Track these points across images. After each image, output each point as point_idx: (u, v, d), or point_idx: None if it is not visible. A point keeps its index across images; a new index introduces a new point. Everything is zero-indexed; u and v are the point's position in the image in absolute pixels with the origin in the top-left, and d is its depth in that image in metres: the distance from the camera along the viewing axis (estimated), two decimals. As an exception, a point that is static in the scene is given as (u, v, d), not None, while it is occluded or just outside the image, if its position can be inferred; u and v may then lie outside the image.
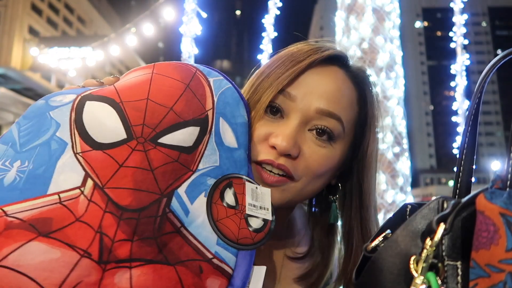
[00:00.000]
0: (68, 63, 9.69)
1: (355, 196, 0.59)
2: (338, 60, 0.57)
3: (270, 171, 0.52)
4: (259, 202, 0.48)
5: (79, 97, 0.47)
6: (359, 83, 0.58)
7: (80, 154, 0.42)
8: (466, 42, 5.38)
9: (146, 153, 0.43)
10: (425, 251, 0.29)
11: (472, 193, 0.29)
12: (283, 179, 0.52)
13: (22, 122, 0.45)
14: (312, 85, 0.54)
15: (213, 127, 0.48)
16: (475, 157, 0.33)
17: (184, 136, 0.45)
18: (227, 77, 0.53)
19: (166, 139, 0.44)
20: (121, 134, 0.43)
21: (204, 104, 0.48)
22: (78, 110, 0.45)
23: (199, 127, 0.46)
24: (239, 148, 0.49)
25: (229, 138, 0.49)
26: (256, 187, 0.48)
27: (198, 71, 0.51)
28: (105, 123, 0.44)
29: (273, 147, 0.51)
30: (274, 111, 0.54)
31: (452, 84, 5.47)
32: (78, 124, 0.44)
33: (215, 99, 0.49)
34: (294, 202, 0.57)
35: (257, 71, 0.59)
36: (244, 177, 0.48)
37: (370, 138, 0.58)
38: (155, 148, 0.43)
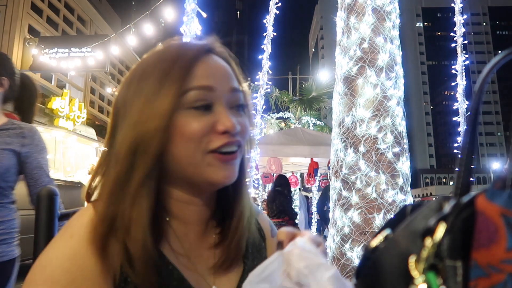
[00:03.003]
0: (68, 63, 9.69)
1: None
2: (212, 50, 0.64)
3: (230, 152, 0.59)
4: None
5: None
6: (229, 63, 0.66)
7: None
8: (466, 42, 5.38)
9: None
10: (425, 251, 0.29)
11: (473, 193, 0.29)
12: (236, 154, 0.60)
13: None
14: (215, 72, 0.60)
15: None
16: (475, 157, 0.33)
17: None
18: None
19: None
20: None
21: None
22: None
23: None
24: None
25: None
26: None
27: None
28: None
29: (224, 132, 0.58)
30: (205, 106, 0.58)
31: (452, 84, 5.47)
32: None
33: None
34: None
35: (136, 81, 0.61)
36: None
37: (250, 106, 0.68)
38: None
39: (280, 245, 0.54)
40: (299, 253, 0.49)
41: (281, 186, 6.21)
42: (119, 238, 0.53)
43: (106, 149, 0.61)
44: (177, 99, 0.57)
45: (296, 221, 7.00)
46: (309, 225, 9.79)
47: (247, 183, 0.70)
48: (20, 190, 1.70)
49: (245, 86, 0.67)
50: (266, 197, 6.61)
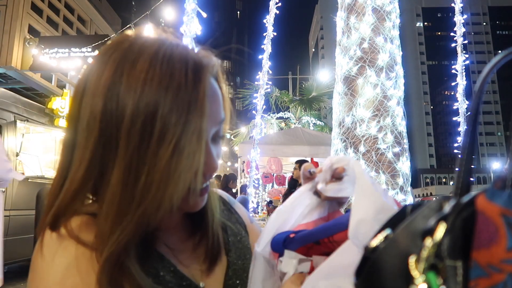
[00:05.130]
0: (68, 63, 9.69)
1: None
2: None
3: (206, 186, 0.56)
4: None
5: None
6: (221, 86, 0.57)
7: None
8: (466, 42, 5.38)
9: None
10: (425, 251, 0.29)
11: (473, 193, 0.29)
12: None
13: None
14: (210, 102, 0.51)
15: None
16: (475, 157, 0.33)
17: None
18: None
19: None
20: None
21: None
22: None
23: None
24: None
25: None
26: None
27: None
28: None
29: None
30: (218, 139, 0.56)
31: (452, 84, 5.47)
32: None
33: None
34: None
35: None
36: None
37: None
38: None
39: (312, 172, 0.60)
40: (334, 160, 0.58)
41: (296, 187, 6.23)
42: None
43: None
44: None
45: None
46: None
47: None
48: (20, 190, 1.70)
49: (228, 109, 0.59)
50: (281, 198, 6.59)
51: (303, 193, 0.60)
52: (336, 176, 0.57)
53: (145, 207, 0.46)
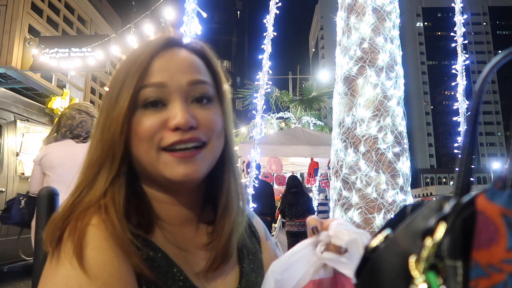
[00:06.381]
0: (68, 63, 9.68)
1: (225, 148, 0.64)
2: (175, 43, 0.62)
3: (184, 149, 0.56)
4: None
5: None
6: (201, 54, 0.63)
7: None
8: (466, 42, 5.37)
9: None
10: (425, 251, 0.29)
11: (473, 193, 0.29)
12: (198, 150, 0.57)
13: None
14: (170, 67, 0.58)
15: None
16: (475, 157, 0.33)
17: None
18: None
19: None
20: None
21: None
22: None
23: None
24: None
25: None
26: None
27: None
28: None
29: (176, 129, 0.55)
30: (154, 103, 0.57)
31: (452, 84, 5.47)
32: None
33: None
34: (210, 167, 0.61)
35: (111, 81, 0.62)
36: None
37: (227, 99, 0.65)
38: None
39: (315, 229, 0.55)
40: (342, 225, 0.53)
41: (296, 187, 6.23)
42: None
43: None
44: (133, 100, 0.56)
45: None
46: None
47: (242, 182, 0.68)
48: (20, 190, 1.70)
49: (221, 78, 0.64)
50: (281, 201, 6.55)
51: (305, 247, 0.55)
52: (333, 250, 0.52)
53: (100, 148, 0.56)
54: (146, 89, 0.56)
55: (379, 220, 2.97)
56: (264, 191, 5.98)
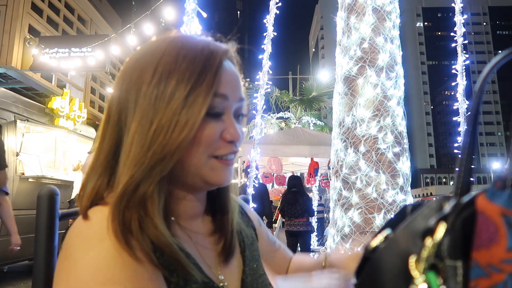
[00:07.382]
0: (68, 63, 9.68)
1: None
2: (230, 55, 0.64)
3: (229, 158, 0.62)
4: None
5: None
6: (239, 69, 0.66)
7: None
8: (466, 42, 5.37)
9: None
10: (425, 251, 0.29)
11: (473, 193, 0.29)
12: (234, 159, 0.63)
13: None
14: (231, 80, 0.61)
15: None
16: (475, 157, 0.33)
17: None
18: None
19: None
20: None
21: None
22: None
23: None
24: None
25: None
26: None
27: None
28: None
29: (230, 142, 0.60)
30: (216, 114, 0.59)
31: (452, 84, 5.47)
32: None
33: None
34: None
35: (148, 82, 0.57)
36: None
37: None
38: None
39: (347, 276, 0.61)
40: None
41: (296, 186, 6.23)
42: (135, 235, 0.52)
43: (101, 149, 0.59)
44: (207, 108, 0.56)
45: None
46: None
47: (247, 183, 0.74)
48: (20, 190, 1.69)
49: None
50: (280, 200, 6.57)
51: None
52: None
53: (154, 149, 0.53)
54: (216, 99, 0.58)
55: (379, 220, 2.97)
56: (258, 192, 5.99)
